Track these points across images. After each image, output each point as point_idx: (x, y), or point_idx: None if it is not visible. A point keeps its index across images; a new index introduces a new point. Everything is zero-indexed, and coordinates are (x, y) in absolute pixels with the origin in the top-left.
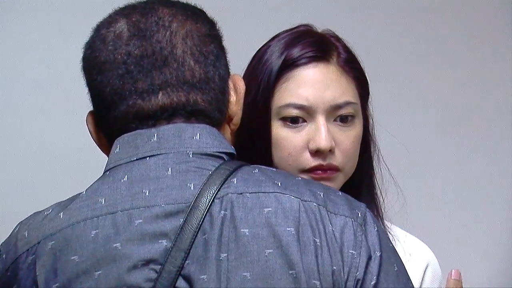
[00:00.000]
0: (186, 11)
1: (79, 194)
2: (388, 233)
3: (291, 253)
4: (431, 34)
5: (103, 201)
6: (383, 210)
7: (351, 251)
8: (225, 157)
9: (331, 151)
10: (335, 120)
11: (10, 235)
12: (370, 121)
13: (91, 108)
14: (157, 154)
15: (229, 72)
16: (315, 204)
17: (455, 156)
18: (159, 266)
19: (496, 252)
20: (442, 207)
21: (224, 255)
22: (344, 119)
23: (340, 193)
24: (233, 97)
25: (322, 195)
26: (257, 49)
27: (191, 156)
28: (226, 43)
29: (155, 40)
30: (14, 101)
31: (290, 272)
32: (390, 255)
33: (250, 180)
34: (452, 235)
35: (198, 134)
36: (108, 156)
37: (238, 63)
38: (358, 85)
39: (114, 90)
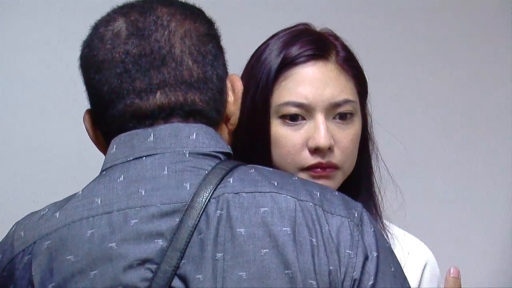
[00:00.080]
0: (185, 10)
1: (75, 194)
2: (386, 231)
3: (287, 253)
4: (431, 34)
5: (99, 201)
6: (381, 209)
7: (347, 251)
8: (221, 157)
9: (330, 149)
10: (334, 118)
11: (6, 235)
12: (369, 119)
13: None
14: (154, 154)
15: (227, 72)
16: (311, 203)
17: (454, 155)
18: (155, 266)
19: (496, 252)
20: (440, 207)
21: (220, 254)
22: (343, 117)
23: (336, 192)
24: (231, 97)
25: (318, 195)
26: (256, 48)
27: (187, 155)
28: (225, 42)
29: (154, 39)
30: (14, 101)
31: (286, 272)
32: (387, 255)
33: (246, 180)
34: (451, 235)
35: (194, 134)
36: (105, 155)
37: (236, 62)
38: (356, 83)
39: (112, 89)
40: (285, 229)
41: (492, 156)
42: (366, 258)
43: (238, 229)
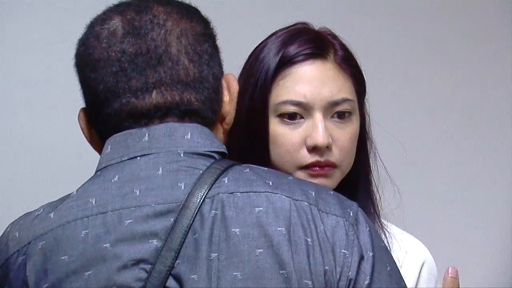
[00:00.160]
0: (181, 9)
1: (70, 194)
2: (384, 231)
3: (282, 253)
4: (431, 34)
5: (94, 201)
6: (379, 208)
7: (343, 251)
8: (216, 156)
9: (328, 147)
10: (332, 116)
11: (1, 236)
12: (367, 118)
13: None
14: (148, 154)
15: (222, 72)
16: (306, 203)
17: (453, 155)
18: (150, 266)
19: (495, 251)
20: (439, 206)
21: (215, 254)
22: (341, 116)
23: (332, 192)
24: (226, 97)
25: (313, 194)
26: (253, 48)
27: (182, 155)
28: (224, 42)
29: (150, 38)
30: (14, 101)
31: (281, 272)
32: (382, 255)
33: (241, 180)
34: (449, 234)
35: (189, 134)
36: (99, 154)
37: (235, 62)
38: (355, 82)
39: (107, 87)
40: (280, 229)
41: (491, 156)
42: (361, 257)
43: (233, 229)
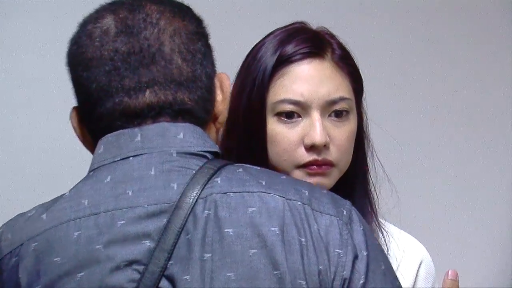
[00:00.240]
0: (174, 8)
1: (63, 195)
2: (382, 229)
3: (275, 253)
4: (430, 34)
5: (86, 202)
6: (377, 207)
7: (337, 250)
8: (209, 156)
9: (325, 146)
10: (329, 115)
11: None
12: (364, 117)
13: None
14: (141, 154)
15: (215, 71)
16: (299, 202)
17: (452, 155)
18: (142, 267)
19: (494, 251)
20: (436, 205)
21: (208, 255)
22: (339, 115)
23: (325, 191)
24: (219, 96)
25: (307, 194)
26: (251, 47)
27: (174, 155)
28: (221, 41)
29: (143, 37)
30: (14, 100)
31: (275, 272)
32: (377, 254)
33: (234, 180)
34: (448, 234)
35: (182, 133)
36: (92, 153)
37: (233, 61)
38: (352, 81)
39: (100, 87)
40: (273, 229)
41: (490, 155)
42: (355, 257)
43: (226, 230)
